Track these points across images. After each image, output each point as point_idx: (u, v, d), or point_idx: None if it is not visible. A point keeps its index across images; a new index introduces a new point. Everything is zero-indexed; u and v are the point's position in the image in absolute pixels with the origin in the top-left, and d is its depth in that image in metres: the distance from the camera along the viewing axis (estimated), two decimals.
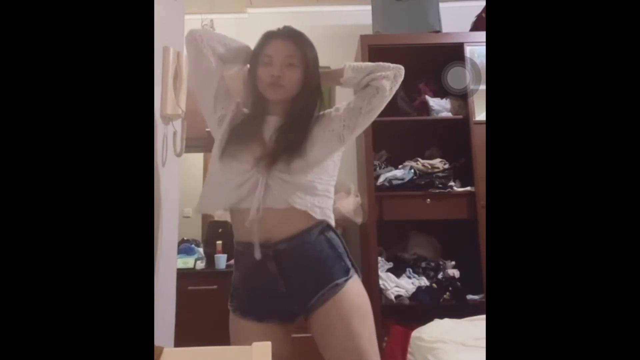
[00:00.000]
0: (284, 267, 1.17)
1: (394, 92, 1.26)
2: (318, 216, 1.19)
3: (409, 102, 2.92)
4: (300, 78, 1.23)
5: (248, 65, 1.30)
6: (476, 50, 2.78)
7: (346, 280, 1.19)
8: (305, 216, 1.18)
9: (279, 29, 1.28)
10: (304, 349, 1.38)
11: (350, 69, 1.26)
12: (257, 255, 1.16)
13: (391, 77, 1.24)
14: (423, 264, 2.71)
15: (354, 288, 1.21)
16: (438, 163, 2.75)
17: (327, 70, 1.33)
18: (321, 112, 1.29)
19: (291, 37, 1.26)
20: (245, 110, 1.31)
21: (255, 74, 1.25)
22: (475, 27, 2.96)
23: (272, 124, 1.24)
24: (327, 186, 1.23)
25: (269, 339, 0.91)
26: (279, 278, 1.17)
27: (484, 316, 2.03)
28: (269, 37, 1.26)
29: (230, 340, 1.23)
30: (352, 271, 1.22)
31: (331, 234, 1.22)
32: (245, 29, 3.41)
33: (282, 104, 1.26)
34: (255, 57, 1.26)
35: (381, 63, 1.26)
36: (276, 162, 1.16)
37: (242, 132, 1.22)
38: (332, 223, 1.23)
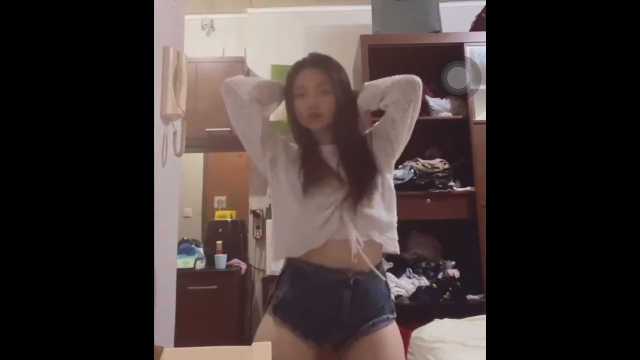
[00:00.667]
0: (356, 297, 1.18)
1: (417, 104, 1.24)
2: (391, 249, 1.24)
3: None
4: (334, 102, 1.23)
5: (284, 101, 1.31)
6: (476, 50, 2.78)
7: (394, 318, 1.25)
8: (379, 249, 1.23)
9: (305, 59, 1.29)
10: None
11: (366, 90, 1.26)
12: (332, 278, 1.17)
13: (403, 101, 1.22)
14: (423, 264, 2.71)
15: (397, 329, 1.26)
16: (438, 163, 2.75)
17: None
18: (365, 132, 1.30)
19: (318, 64, 1.26)
20: (293, 144, 1.30)
21: (293, 107, 1.26)
22: (475, 27, 2.97)
23: (330, 152, 1.24)
24: (395, 218, 1.28)
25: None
26: (349, 307, 1.17)
27: (484, 316, 2.03)
28: (298, 68, 1.27)
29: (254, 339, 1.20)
30: (395, 314, 1.27)
31: (383, 274, 1.26)
32: (245, 29, 3.42)
33: (327, 131, 1.25)
34: (288, 91, 1.27)
35: (410, 77, 1.22)
36: (362, 198, 1.18)
37: (313, 169, 1.21)
38: (398, 251, 1.29)
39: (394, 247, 1.25)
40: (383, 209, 1.23)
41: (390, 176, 1.28)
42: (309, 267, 1.19)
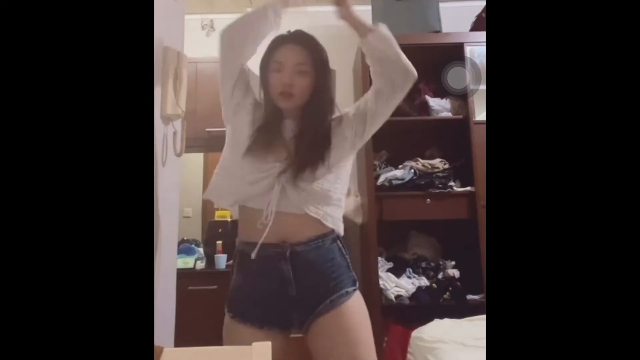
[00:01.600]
0: (298, 270, 1.16)
1: (400, 98, 1.24)
2: (330, 225, 1.19)
3: (409, 102, 2.92)
4: (311, 85, 1.21)
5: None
6: (476, 50, 2.78)
7: (354, 290, 1.20)
8: (317, 224, 1.18)
9: (289, 33, 1.26)
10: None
11: (379, 39, 1.21)
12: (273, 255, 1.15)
13: (400, 85, 1.22)
14: (423, 264, 2.71)
15: (359, 299, 1.22)
16: (438, 163, 2.75)
17: (358, 20, 1.25)
18: (333, 117, 1.28)
19: (302, 41, 1.23)
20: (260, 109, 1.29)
21: (267, 81, 1.23)
22: (475, 27, 2.96)
23: (290, 127, 1.23)
24: (340, 195, 1.23)
25: None
26: (291, 281, 1.15)
27: (484, 316, 2.03)
28: (279, 42, 1.24)
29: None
30: (357, 283, 1.23)
31: (341, 243, 1.23)
32: None
33: (296, 110, 1.24)
34: (265, 62, 1.24)
35: (408, 66, 1.22)
36: (303, 171, 1.15)
37: (265, 134, 1.20)
38: (342, 232, 1.24)
39: (333, 224, 1.20)
40: (327, 181, 1.18)
41: (350, 157, 1.26)
42: (249, 247, 1.18)
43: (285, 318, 1.18)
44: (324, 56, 1.25)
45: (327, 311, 1.16)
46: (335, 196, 1.21)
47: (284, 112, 1.25)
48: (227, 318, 1.21)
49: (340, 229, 1.23)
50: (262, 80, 1.26)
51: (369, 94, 1.26)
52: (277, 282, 1.16)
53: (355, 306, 1.19)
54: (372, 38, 1.22)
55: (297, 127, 1.23)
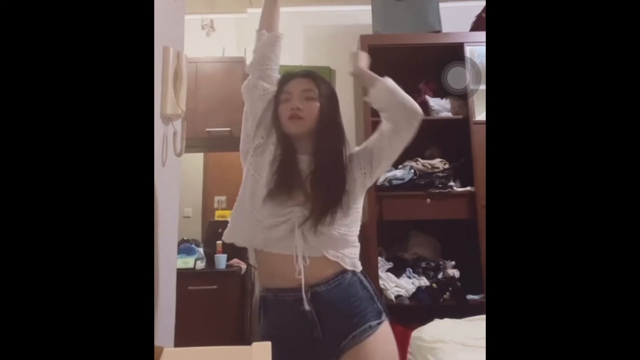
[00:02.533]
0: (321, 311, 1.16)
1: (406, 138, 1.25)
2: (348, 266, 1.21)
3: None
4: (318, 109, 1.24)
5: None
6: (476, 50, 2.79)
7: (379, 324, 1.20)
8: (336, 263, 1.20)
9: (295, 71, 1.31)
10: None
11: (383, 90, 1.26)
12: (299, 299, 1.15)
13: (404, 125, 1.24)
14: (423, 264, 2.72)
15: (386, 333, 1.21)
16: (438, 163, 2.75)
17: (367, 72, 1.32)
18: (350, 152, 1.30)
19: (307, 75, 1.29)
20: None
21: (277, 111, 1.26)
22: (475, 27, 2.97)
23: (305, 164, 1.24)
24: (356, 236, 1.25)
25: None
26: (316, 323, 1.15)
27: (484, 316, 2.03)
28: (287, 78, 1.29)
29: None
30: (384, 315, 1.22)
31: (361, 276, 1.24)
32: (245, 29, 3.41)
33: (307, 141, 1.25)
34: (276, 95, 1.28)
35: (413, 108, 1.24)
36: (324, 218, 1.16)
37: (285, 176, 1.21)
38: (359, 269, 1.25)
39: (352, 266, 1.21)
40: (344, 226, 1.20)
41: (361, 198, 1.28)
42: (270, 294, 1.20)
43: (312, 358, 1.18)
44: (330, 88, 1.30)
45: (351, 347, 1.15)
46: (352, 239, 1.23)
47: (297, 145, 1.25)
48: None
49: (358, 267, 1.24)
50: (273, 113, 1.29)
51: (375, 134, 1.29)
52: (302, 326, 1.16)
53: (380, 341, 1.19)
54: (376, 90, 1.27)
55: (312, 163, 1.23)
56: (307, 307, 1.14)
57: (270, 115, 1.28)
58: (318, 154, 1.24)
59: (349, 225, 1.22)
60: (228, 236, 1.27)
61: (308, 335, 1.16)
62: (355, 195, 1.24)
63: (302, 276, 1.14)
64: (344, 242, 1.21)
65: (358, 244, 1.26)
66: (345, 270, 1.20)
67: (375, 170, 1.27)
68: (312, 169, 1.22)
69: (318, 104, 1.24)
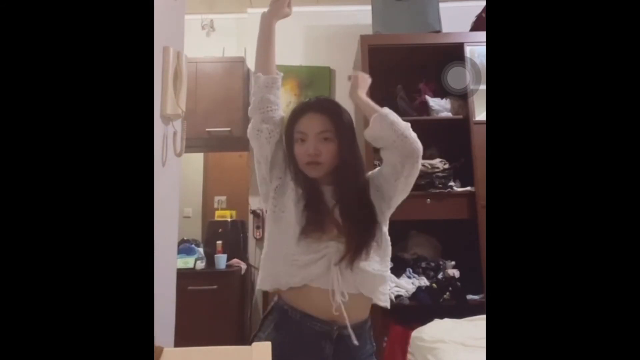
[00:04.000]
0: (338, 352, 1.15)
1: (411, 175, 1.22)
2: (382, 303, 1.20)
3: (409, 102, 2.92)
4: (337, 150, 1.20)
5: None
6: (476, 50, 2.78)
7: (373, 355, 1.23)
8: (366, 306, 1.19)
9: (309, 102, 1.26)
10: None
11: (381, 120, 1.20)
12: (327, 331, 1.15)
13: (407, 165, 1.20)
14: (423, 264, 2.72)
15: None
16: (438, 163, 2.75)
17: (366, 101, 1.27)
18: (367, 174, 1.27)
19: (323, 109, 1.23)
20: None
21: (292, 151, 1.22)
22: (475, 27, 2.97)
23: (329, 194, 1.21)
24: (389, 271, 1.23)
25: None
26: (329, 359, 1.15)
27: (484, 316, 2.03)
28: (301, 112, 1.23)
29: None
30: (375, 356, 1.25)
31: (369, 329, 1.24)
32: (245, 29, 3.41)
33: (328, 176, 1.22)
34: (289, 133, 1.23)
35: (413, 144, 1.20)
36: (360, 254, 1.14)
37: (315, 212, 1.18)
38: (389, 306, 1.24)
39: (384, 302, 1.21)
40: (378, 262, 1.19)
41: (385, 225, 1.25)
42: (295, 313, 1.17)
43: None
44: (347, 119, 1.24)
45: None
46: (387, 274, 1.22)
47: (318, 179, 1.22)
48: None
49: (388, 304, 1.23)
50: (288, 151, 1.25)
51: (379, 171, 1.26)
52: (313, 356, 1.15)
53: None
54: (374, 121, 1.21)
55: (336, 192, 1.21)
56: (326, 345, 1.14)
57: (281, 155, 1.24)
58: (341, 184, 1.21)
59: (383, 258, 1.20)
60: (264, 284, 1.22)
61: None
62: (380, 222, 1.22)
63: (344, 313, 1.12)
64: (381, 279, 1.19)
65: (388, 281, 1.25)
66: (367, 319, 1.20)
67: (391, 206, 1.25)
68: (337, 198, 1.20)
69: (336, 144, 1.19)
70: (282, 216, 1.20)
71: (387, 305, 1.22)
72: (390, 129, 1.19)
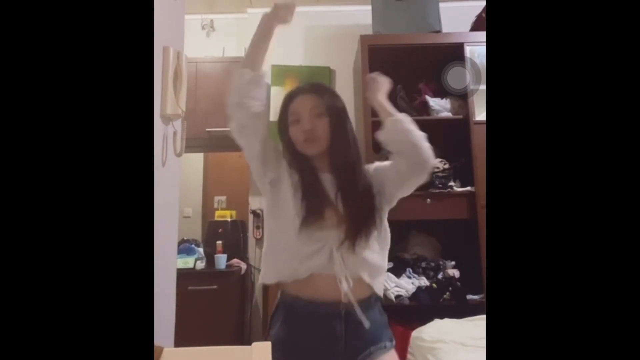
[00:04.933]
0: (349, 329, 1.16)
1: (414, 184, 1.25)
2: (378, 291, 1.22)
3: (409, 102, 2.92)
4: (329, 125, 1.21)
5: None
6: (476, 50, 2.79)
7: (392, 346, 1.23)
8: (368, 286, 1.20)
9: (298, 87, 1.27)
10: None
11: (396, 124, 1.22)
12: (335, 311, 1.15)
13: (416, 173, 1.23)
14: (423, 264, 2.72)
15: (395, 355, 1.24)
16: (438, 163, 2.75)
17: (384, 105, 1.27)
18: (369, 166, 1.28)
19: (310, 89, 1.25)
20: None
21: (287, 134, 1.23)
22: (475, 27, 2.97)
23: (329, 182, 1.21)
24: (386, 263, 1.26)
25: None
26: (342, 339, 1.16)
27: (484, 316, 2.03)
28: (292, 96, 1.25)
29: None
30: (394, 341, 1.25)
31: (380, 302, 1.25)
32: (245, 29, 3.41)
33: (324, 158, 1.23)
34: (283, 119, 1.25)
35: (427, 156, 1.23)
36: (360, 238, 1.16)
37: (313, 200, 1.18)
38: (382, 295, 1.26)
39: (379, 291, 1.23)
40: (377, 252, 1.21)
41: (385, 215, 1.26)
42: (299, 302, 1.18)
43: None
44: (337, 100, 1.25)
45: (365, 358, 1.17)
46: (384, 266, 1.24)
47: (316, 165, 1.23)
48: None
49: (381, 293, 1.25)
50: (282, 136, 1.25)
51: (383, 170, 1.26)
52: (326, 339, 1.16)
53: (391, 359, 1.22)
54: (389, 125, 1.23)
55: (336, 180, 1.21)
56: (337, 324, 1.15)
57: (271, 149, 1.24)
58: (338, 169, 1.22)
59: (382, 248, 1.22)
60: (267, 277, 1.23)
61: (329, 348, 1.16)
62: (380, 211, 1.23)
63: (351, 297, 1.14)
64: (379, 269, 1.22)
65: (385, 272, 1.28)
66: (372, 294, 1.21)
67: (391, 201, 1.26)
68: (336, 187, 1.20)
69: (328, 120, 1.20)
70: (281, 209, 1.21)
71: (381, 294, 1.24)
72: (404, 134, 1.21)
